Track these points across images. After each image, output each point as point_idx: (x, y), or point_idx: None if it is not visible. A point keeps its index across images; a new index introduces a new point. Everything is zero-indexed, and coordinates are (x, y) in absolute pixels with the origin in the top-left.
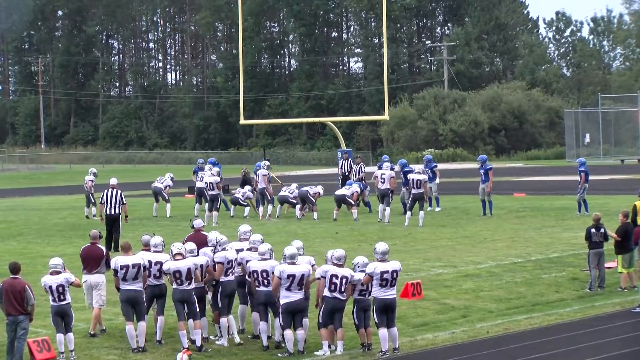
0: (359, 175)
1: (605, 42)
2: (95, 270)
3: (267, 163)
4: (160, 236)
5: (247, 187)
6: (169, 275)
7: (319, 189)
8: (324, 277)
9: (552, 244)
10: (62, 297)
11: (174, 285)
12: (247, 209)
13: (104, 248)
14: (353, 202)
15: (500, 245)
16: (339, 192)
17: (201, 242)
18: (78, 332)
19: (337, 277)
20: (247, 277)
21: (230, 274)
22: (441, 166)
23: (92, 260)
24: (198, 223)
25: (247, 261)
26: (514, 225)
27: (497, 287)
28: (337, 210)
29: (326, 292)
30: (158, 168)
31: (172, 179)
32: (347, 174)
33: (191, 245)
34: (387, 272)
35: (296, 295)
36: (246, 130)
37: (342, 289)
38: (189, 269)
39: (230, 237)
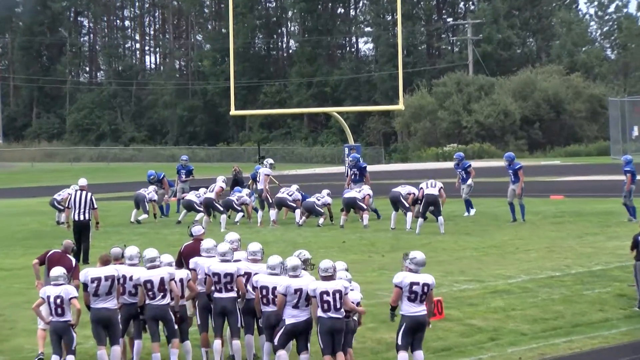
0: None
1: None
2: None
3: (271, 161)
4: (136, 246)
5: (246, 191)
6: (140, 287)
7: (327, 197)
8: (314, 297)
9: (595, 254)
10: (59, 312)
11: (147, 300)
12: (240, 214)
13: (74, 261)
14: (365, 207)
15: (534, 256)
16: (348, 194)
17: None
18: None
19: (327, 293)
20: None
21: (223, 290)
22: None
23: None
24: (197, 230)
25: (248, 273)
26: (550, 232)
27: (531, 305)
28: (346, 216)
29: (320, 313)
30: (135, 166)
31: (205, 193)
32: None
33: (168, 258)
34: (417, 283)
35: (304, 315)
36: (238, 123)
37: (338, 306)
38: (162, 279)
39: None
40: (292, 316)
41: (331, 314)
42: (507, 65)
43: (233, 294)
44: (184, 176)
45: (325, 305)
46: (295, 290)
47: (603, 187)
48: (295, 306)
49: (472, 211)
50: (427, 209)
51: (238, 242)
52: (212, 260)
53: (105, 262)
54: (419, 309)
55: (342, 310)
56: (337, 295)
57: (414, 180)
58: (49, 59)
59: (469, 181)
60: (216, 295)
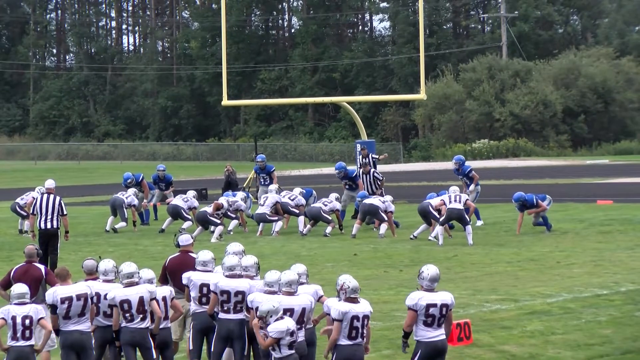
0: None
1: None
2: (32, 299)
3: (277, 187)
4: (112, 259)
5: (240, 195)
6: (115, 308)
7: (335, 202)
8: (340, 321)
9: None
10: (26, 335)
11: (123, 323)
12: (234, 222)
13: (43, 268)
14: (386, 218)
15: (578, 272)
16: (369, 200)
17: (188, 266)
18: None
19: (358, 318)
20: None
21: (232, 310)
22: (498, 163)
23: (29, 285)
24: (185, 239)
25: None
26: (597, 243)
27: (573, 329)
28: (360, 224)
29: (344, 340)
30: (110, 165)
31: (194, 196)
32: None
33: (149, 274)
34: (434, 305)
35: (299, 337)
36: (230, 115)
37: (364, 332)
38: (141, 299)
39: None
40: None
41: (356, 341)
42: (547, 48)
43: (241, 316)
44: (164, 188)
45: (354, 332)
46: (285, 311)
47: None
48: None
49: (479, 222)
50: (449, 221)
51: (242, 253)
52: (217, 276)
53: (63, 277)
54: (436, 334)
55: (366, 337)
56: (366, 320)
57: (437, 183)
58: (9, 39)
59: (472, 187)
60: (222, 316)
